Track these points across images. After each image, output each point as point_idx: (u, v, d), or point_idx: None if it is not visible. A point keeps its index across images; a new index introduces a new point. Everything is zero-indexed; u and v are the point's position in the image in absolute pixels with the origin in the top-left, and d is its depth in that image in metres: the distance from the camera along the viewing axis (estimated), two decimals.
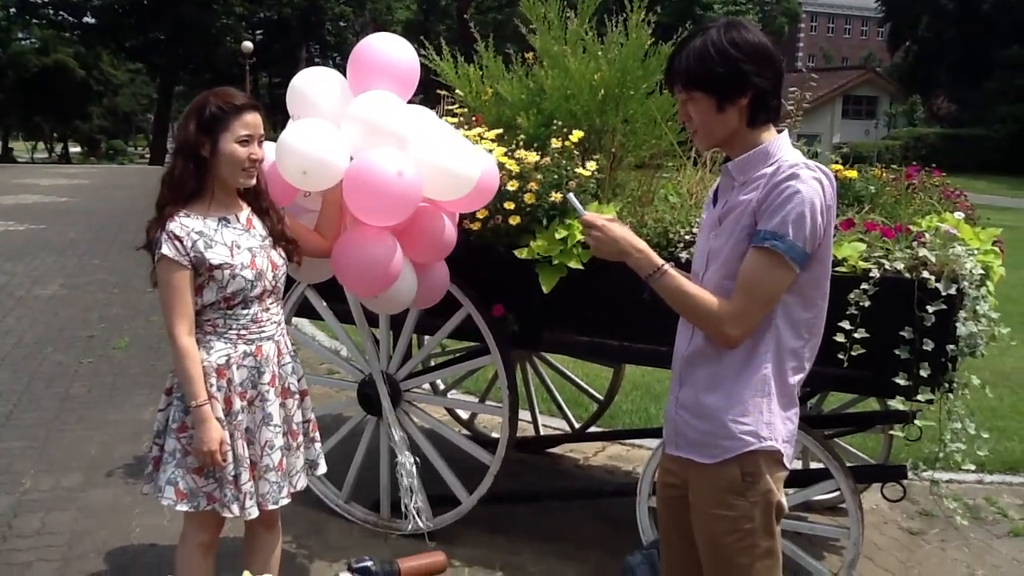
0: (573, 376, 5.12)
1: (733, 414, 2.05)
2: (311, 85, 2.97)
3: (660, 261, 2.07)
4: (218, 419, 2.57)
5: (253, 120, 2.58)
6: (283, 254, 2.74)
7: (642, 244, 2.10)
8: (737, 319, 1.99)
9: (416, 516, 3.64)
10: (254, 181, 2.65)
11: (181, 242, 2.51)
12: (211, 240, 2.56)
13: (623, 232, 2.10)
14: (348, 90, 2.98)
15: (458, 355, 4.44)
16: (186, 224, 2.54)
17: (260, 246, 2.66)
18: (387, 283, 2.89)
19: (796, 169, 1.95)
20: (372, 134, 2.80)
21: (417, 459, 3.69)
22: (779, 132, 2.08)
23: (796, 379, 2.09)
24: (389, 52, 2.99)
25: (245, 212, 2.69)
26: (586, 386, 5.13)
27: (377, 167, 2.71)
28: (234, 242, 2.60)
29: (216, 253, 2.55)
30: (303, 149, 2.72)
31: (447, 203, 3.04)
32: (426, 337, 4.09)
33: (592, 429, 5.08)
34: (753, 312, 1.99)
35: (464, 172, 2.91)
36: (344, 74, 3.04)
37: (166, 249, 2.51)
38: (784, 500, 2.12)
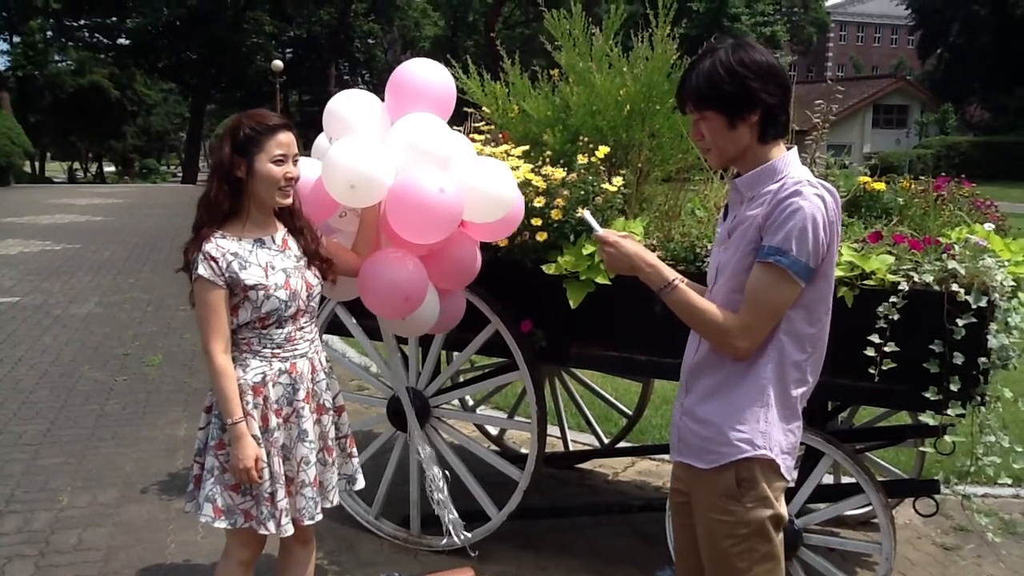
0: (602, 391, 5.12)
1: (730, 422, 2.12)
2: (349, 107, 3.01)
3: (671, 276, 2.16)
4: (254, 436, 2.61)
5: (287, 139, 2.62)
6: (317, 273, 2.77)
7: (653, 259, 2.19)
8: (745, 332, 2.07)
9: (454, 531, 3.65)
10: (290, 200, 2.68)
11: (216, 263, 2.56)
12: (246, 261, 2.60)
13: (635, 248, 2.19)
14: (386, 113, 3.03)
15: (487, 371, 4.46)
16: (222, 245, 2.59)
17: (295, 266, 2.70)
18: (412, 306, 2.93)
19: (799, 186, 2.02)
20: (416, 153, 2.84)
21: (447, 473, 3.70)
22: (788, 149, 2.14)
23: (799, 392, 2.15)
24: (427, 77, 3.04)
25: (281, 233, 2.73)
26: (615, 401, 5.13)
27: (420, 184, 2.75)
28: (269, 263, 2.64)
29: (250, 274, 2.59)
30: (349, 164, 2.76)
31: (473, 230, 3.08)
32: (455, 353, 4.11)
33: (621, 444, 5.07)
34: (760, 325, 2.06)
35: (501, 193, 2.96)
36: (373, 91, 3.10)
37: (202, 270, 2.55)
38: (784, 509, 2.18)
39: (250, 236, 2.66)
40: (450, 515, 3.66)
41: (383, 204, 2.87)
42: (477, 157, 3.08)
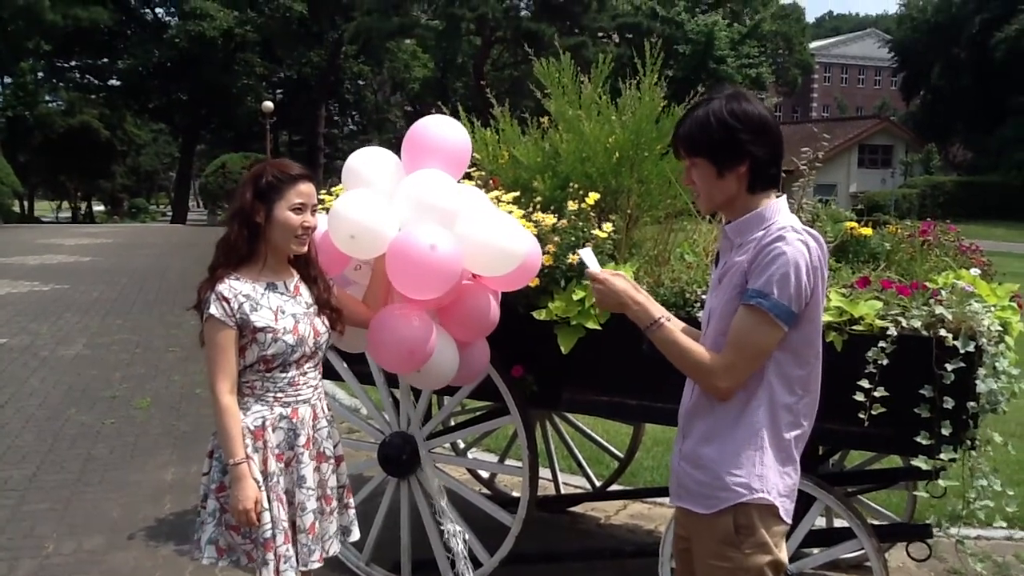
0: (593, 434, 5.11)
1: (727, 466, 2.14)
2: (366, 164, 3.07)
3: (657, 314, 2.20)
4: (255, 479, 2.61)
5: (307, 189, 2.68)
6: (326, 322, 2.80)
7: (641, 298, 2.23)
8: (727, 372, 2.09)
9: None
10: (306, 248, 2.73)
11: (228, 303, 2.59)
12: (257, 303, 2.63)
13: (624, 285, 2.23)
14: (401, 169, 3.07)
15: (478, 414, 4.45)
16: (235, 286, 2.63)
17: (304, 313, 2.73)
18: (418, 360, 2.94)
19: (783, 232, 2.07)
20: (422, 210, 2.87)
21: (464, 531, 3.64)
22: (777, 196, 2.18)
23: (792, 435, 2.16)
24: (443, 134, 3.09)
25: (294, 279, 2.77)
26: (606, 443, 5.12)
27: (412, 240, 2.78)
28: (279, 307, 2.67)
29: (260, 316, 2.62)
30: (350, 215, 2.81)
31: (490, 281, 3.10)
32: (446, 397, 4.11)
33: (613, 487, 5.05)
34: (741, 366, 2.09)
35: (510, 248, 2.96)
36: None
37: (214, 309, 2.59)
38: (783, 555, 2.18)
39: (264, 280, 2.70)
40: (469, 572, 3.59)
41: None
42: (486, 211, 3.09)
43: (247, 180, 2.69)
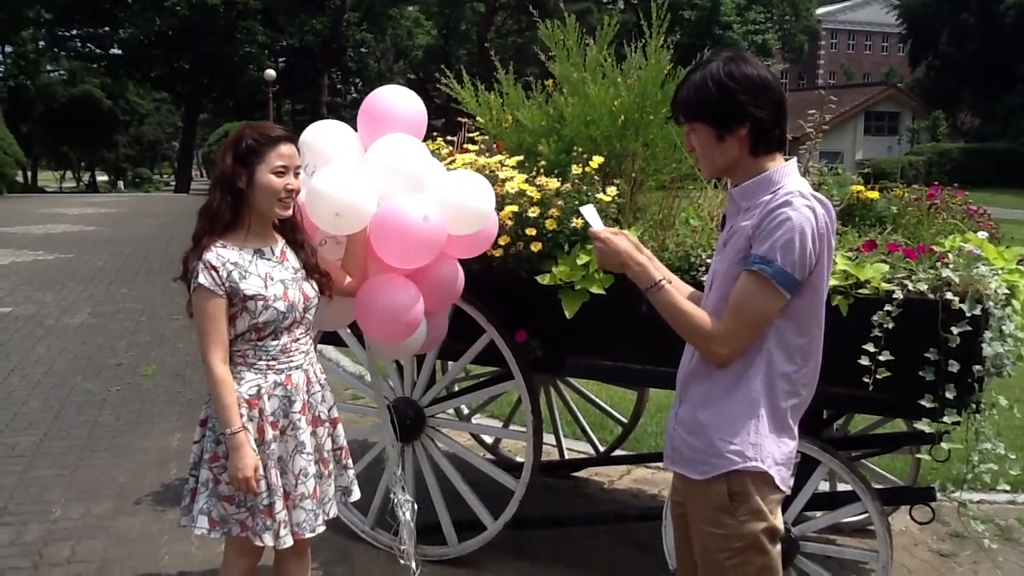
0: (597, 399, 5.12)
1: (721, 433, 2.12)
2: (322, 138, 3.02)
3: (658, 277, 2.16)
4: (251, 448, 2.60)
5: (288, 151, 2.64)
6: (315, 287, 2.78)
7: (643, 258, 2.18)
8: (725, 338, 2.07)
9: (410, 560, 3.50)
10: (290, 212, 2.70)
11: (217, 272, 2.56)
12: (246, 271, 2.60)
13: (625, 245, 2.19)
14: (359, 140, 3.05)
15: (482, 380, 4.46)
16: (222, 254, 2.59)
17: (293, 278, 2.71)
18: (410, 330, 2.95)
19: (790, 197, 2.02)
20: (394, 176, 2.86)
21: (415, 503, 3.61)
22: (787, 160, 2.13)
23: (789, 404, 2.13)
24: (397, 103, 3.07)
25: (280, 244, 2.75)
26: (610, 409, 5.13)
27: (404, 213, 2.79)
28: (268, 274, 2.64)
29: (250, 284, 2.59)
30: (336, 193, 2.77)
31: (449, 248, 3.11)
32: (450, 363, 4.11)
33: (617, 452, 5.07)
34: (740, 333, 2.06)
35: (480, 207, 3.02)
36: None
37: (202, 279, 2.55)
38: (779, 522, 2.16)
39: (250, 247, 2.67)
40: (410, 544, 3.52)
41: (368, 230, 2.90)
42: (453, 173, 3.15)
43: (227, 145, 2.65)
